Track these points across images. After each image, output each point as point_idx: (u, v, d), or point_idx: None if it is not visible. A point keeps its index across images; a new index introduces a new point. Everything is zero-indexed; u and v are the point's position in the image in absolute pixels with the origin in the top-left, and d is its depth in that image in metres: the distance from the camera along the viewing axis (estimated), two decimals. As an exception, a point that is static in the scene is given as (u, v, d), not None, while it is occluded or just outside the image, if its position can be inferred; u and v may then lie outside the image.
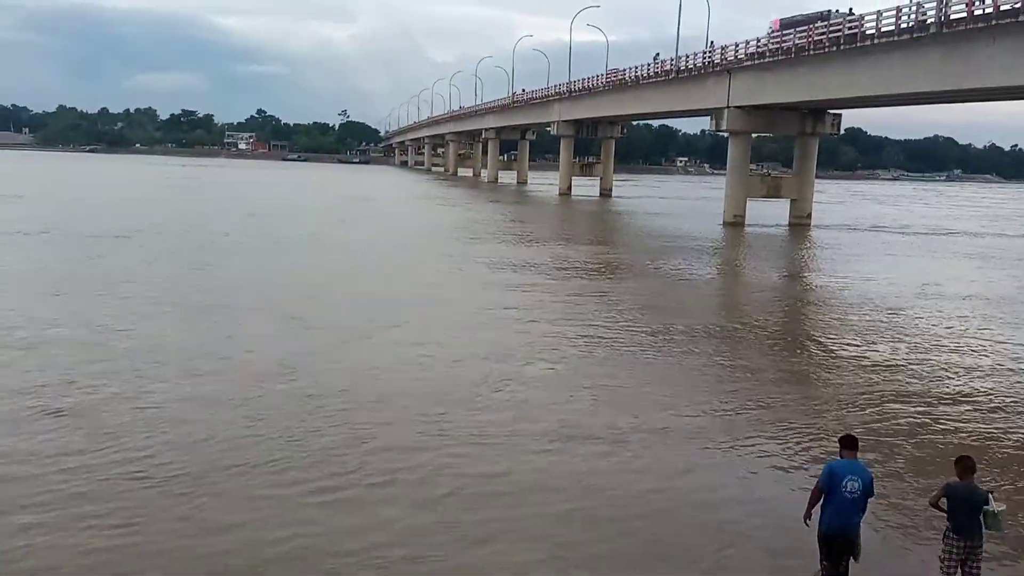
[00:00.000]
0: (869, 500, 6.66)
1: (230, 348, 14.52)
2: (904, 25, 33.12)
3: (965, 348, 17.17)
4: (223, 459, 9.37)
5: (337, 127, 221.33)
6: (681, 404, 12.26)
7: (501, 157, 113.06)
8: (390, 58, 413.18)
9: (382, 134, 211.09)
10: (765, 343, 17.31)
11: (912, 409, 12.56)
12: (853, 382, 14.15)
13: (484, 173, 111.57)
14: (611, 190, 79.36)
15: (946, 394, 13.58)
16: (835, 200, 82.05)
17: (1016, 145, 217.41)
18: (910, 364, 15.56)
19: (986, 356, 16.53)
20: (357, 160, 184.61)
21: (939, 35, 31.16)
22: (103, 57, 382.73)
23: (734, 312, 21.55)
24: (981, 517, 6.38)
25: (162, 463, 9.16)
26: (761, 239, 41.56)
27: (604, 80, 65.66)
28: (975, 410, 12.72)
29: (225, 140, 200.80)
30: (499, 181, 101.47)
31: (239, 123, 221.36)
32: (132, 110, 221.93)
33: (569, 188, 78.06)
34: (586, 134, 79.80)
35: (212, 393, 11.75)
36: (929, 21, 31.64)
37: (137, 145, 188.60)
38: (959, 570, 6.50)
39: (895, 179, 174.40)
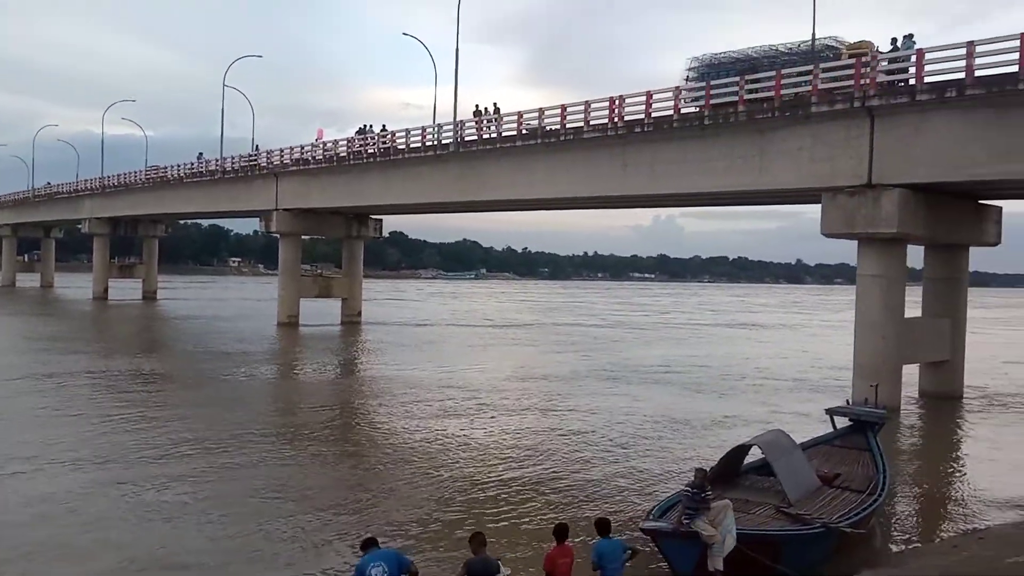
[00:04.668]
0: None
1: None
2: (429, 143, 37.35)
3: (527, 428, 19.43)
4: None
5: None
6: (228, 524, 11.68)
7: (20, 257, 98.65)
8: None
9: None
10: (328, 442, 17.48)
11: (460, 485, 13.72)
12: (408, 473, 14.99)
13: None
14: (156, 292, 74.06)
15: (504, 475, 15.08)
16: (415, 299, 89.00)
17: (526, 248, 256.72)
18: (465, 446, 17.05)
19: (543, 434, 18.87)
20: None
21: (457, 153, 35.76)
22: None
23: (290, 413, 21.40)
24: (494, 585, 7.14)
25: None
26: (315, 338, 42.30)
27: (144, 176, 62.09)
28: (512, 485, 14.35)
29: None
30: (17, 285, 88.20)
31: None
32: None
33: (105, 291, 71.07)
34: (125, 232, 73.95)
35: None
36: (448, 141, 36.17)
37: None
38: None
39: (434, 277, 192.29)
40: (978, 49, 20.65)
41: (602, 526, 8.55)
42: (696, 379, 29.49)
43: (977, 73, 20.63)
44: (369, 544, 7.40)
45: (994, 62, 20.59)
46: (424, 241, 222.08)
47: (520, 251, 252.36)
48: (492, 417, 20.70)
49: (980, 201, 26.28)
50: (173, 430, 17.88)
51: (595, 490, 13.99)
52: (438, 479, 14.35)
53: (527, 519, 12.20)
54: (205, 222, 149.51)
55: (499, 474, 14.90)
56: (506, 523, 11.95)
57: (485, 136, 34.76)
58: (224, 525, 11.60)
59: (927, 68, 21.46)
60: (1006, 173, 20.81)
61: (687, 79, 27.74)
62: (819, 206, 24.08)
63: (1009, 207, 27.73)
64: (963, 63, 20.73)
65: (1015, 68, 19.87)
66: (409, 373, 28.51)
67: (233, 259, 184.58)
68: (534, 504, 13.04)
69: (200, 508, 12.36)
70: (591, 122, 29.57)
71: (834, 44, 25.39)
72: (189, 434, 17.49)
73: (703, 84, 26.35)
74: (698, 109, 26.25)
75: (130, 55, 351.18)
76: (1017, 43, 19.83)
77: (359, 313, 51.72)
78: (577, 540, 10.17)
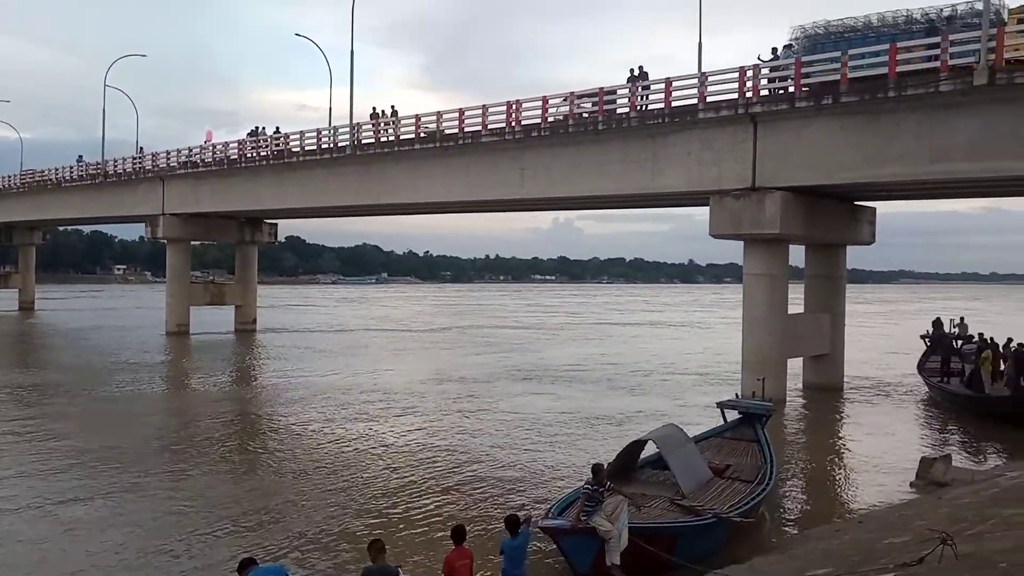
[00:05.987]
0: None
1: None
2: (325, 145, 36.65)
3: (419, 440, 19.18)
4: None
5: None
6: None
7: None
8: None
9: None
10: (233, 452, 16.88)
11: (356, 494, 13.49)
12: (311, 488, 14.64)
13: None
14: (34, 303, 69.86)
15: (395, 480, 14.88)
16: (319, 304, 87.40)
17: (428, 251, 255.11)
18: (373, 455, 16.77)
19: (436, 440, 18.70)
20: None
21: (354, 156, 35.22)
22: None
23: (190, 425, 20.50)
24: (392, 591, 7.07)
25: None
26: (206, 347, 40.78)
27: (19, 181, 58.51)
28: (409, 489, 14.21)
29: None
30: None
31: None
32: None
33: (-23, 303, 66.54)
34: (-2, 240, 69.37)
35: None
36: (344, 144, 35.59)
37: None
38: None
39: (334, 283, 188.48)
40: (851, 55, 21.83)
41: (511, 523, 8.63)
42: (607, 376, 30.25)
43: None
44: (247, 564, 7.05)
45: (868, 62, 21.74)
46: (322, 246, 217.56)
47: (422, 255, 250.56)
48: (408, 421, 20.50)
49: (856, 202, 27.84)
50: (64, 449, 16.95)
51: (505, 489, 14.05)
52: (346, 486, 14.11)
53: (436, 522, 12.14)
54: (87, 228, 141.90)
55: (410, 478, 14.78)
56: (412, 528, 11.84)
57: (383, 139, 34.39)
58: (122, 541, 11.13)
59: (806, 74, 22.57)
60: (877, 176, 22.11)
61: (791, 50, 23.84)
62: (708, 208, 24.97)
63: (883, 208, 29.54)
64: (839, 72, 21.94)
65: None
66: (314, 380, 27.85)
67: (118, 267, 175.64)
68: (443, 506, 12.98)
69: (98, 525, 11.85)
70: (489, 126, 29.69)
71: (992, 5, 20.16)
72: (82, 451, 16.66)
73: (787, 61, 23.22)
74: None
75: (1, 52, 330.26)
76: (887, 46, 21.15)
77: (254, 320, 50.24)
78: (486, 541, 10.22)
